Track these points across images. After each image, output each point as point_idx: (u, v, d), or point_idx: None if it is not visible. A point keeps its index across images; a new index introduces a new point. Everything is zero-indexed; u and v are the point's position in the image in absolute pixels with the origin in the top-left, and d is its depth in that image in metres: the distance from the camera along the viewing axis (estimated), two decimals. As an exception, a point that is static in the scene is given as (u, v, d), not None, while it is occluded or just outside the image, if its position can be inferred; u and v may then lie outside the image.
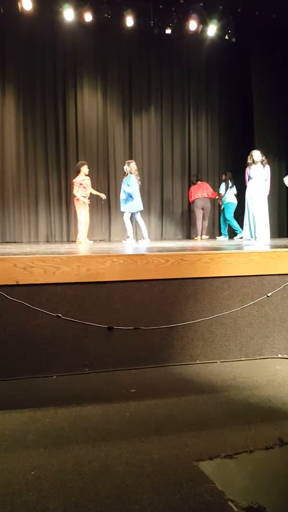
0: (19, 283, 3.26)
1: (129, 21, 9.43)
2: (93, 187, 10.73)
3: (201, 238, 9.72)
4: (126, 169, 8.23)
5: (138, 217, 8.29)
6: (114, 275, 3.44)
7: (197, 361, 3.51)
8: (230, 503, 1.77)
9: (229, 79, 11.10)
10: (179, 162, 11.29)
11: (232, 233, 9.79)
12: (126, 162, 8.54)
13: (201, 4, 9.33)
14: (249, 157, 7.60)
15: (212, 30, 9.82)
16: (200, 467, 2.04)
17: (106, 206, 10.81)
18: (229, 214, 9.50)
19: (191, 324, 3.51)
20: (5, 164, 9.90)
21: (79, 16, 9.28)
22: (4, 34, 9.74)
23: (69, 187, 10.51)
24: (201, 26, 9.71)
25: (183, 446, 2.23)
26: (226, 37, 10.13)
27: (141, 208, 8.32)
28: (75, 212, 8.70)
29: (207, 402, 2.78)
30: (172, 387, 3.03)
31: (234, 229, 9.43)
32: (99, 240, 10.38)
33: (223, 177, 9.96)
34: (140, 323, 3.43)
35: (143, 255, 3.56)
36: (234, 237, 9.43)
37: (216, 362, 3.54)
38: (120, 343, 3.40)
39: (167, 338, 3.47)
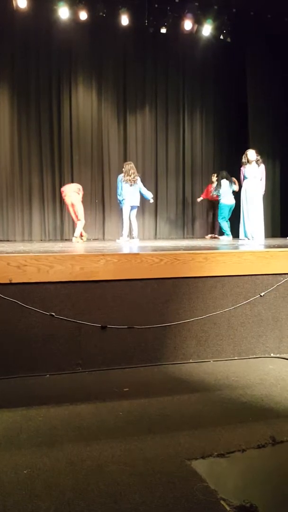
0: (12, 281, 3.25)
1: (124, 20, 9.42)
2: (88, 186, 10.75)
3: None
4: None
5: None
6: (108, 274, 3.44)
7: (190, 360, 3.52)
8: (222, 502, 1.78)
9: (224, 78, 11.11)
10: (173, 162, 11.30)
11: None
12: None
13: (196, 3, 9.33)
14: (243, 156, 7.61)
15: (207, 29, 9.83)
16: (193, 466, 2.04)
17: (100, 205, 10.81)
18: (220, 216, 9.39)
19: (185, 323, 3.52)
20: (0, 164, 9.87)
21: (74, 14, 9.25)
22: (-2, 31, 9.69)
23: (63, 185, 10.49)
24: (196, 26, 9.71)
25: (176, 445, 2.23)
26: (221, 37, 10.16)
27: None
28: (73, 211, 8.61)
29: (200, 401, 2.79)
30: (165, 386, 3.03)
31: (223, 231, 9.34)
32: (93, 239, 10.36)
33: (213, 177, 9.93)
34: (134, 322, 3.43)
35: (137, 254, 3.56)
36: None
37: (209, 361, 3.55)
38: (114, 342, 3.39)
39: (161, 337, 3.48)
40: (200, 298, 3.57)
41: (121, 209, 8.45)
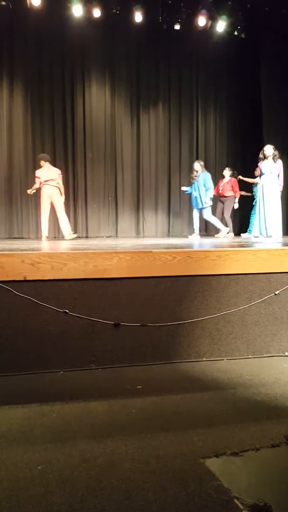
0: (27, 278, 3.27)
1: (138, 17, 9.39)
2: (101, 183, 10.76)
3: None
4: (197, 168, 8.37)
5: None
6: (121, 272, 3.44)
7: (204, 359, 3.51)
8: (236, 500, 1.77)
9: (238, 75, 11.03)
10: (186, 158, 11.26)
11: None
12: (197, 161, 8.77)
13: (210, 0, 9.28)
14: (261, 152, 7.55)
15: (221, 26, 9.76)
16: (206, 465, 2.04)
17: (113, 202, 10.82)
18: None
19: (198, 321, 3.50)
20: (13, 161, 9.93)
21: (88, 11, 9.26)
22: (13, 30, 9.74)
23: (76, 183, 10.53)
24: (210, 22, 9.65)
25: (189, 443, 2.23)
26: (235, 33, 10.07)
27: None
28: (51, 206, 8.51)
29: (213, 399, 2.77)
30: (178, 384, 3.03)
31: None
32: (105, 237, 10.38)
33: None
34: (147, 319, 3.43)
35: (150, 252, 3.56)
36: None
37: (223, 359, 3.54)
38: (127, 340, 3.40)
39: (174, 335, 3.47)
40: (213, 296, 3.56)
41: (199, 209, 8.39)
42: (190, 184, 9.01)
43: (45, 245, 6.12)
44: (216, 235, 9.45)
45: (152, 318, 3.44)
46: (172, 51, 10.68)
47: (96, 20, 9.49)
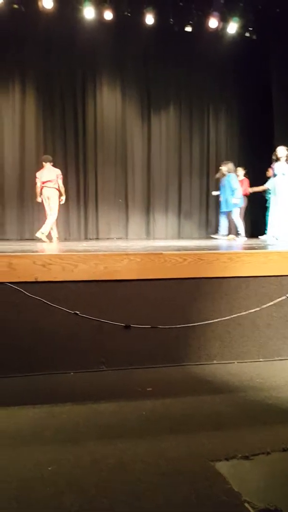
0: (38, 280, 3.29)
1: (149, 19, 9.40)
2: (111, 185, 10.78)
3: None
4: (224, 170, 8.38)
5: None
6: (131, 274, 3.45)
7: (214, 361, 3.50)
8: (246, 504, 1.76)
9: (249, 76, 10.98)
10: (197, 160, 11.24)
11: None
12: (223, 163, 8.67)
13: (222, 1, 9.25)
14: (273, 153, 7.51)
15: (232, 27, 9.73)
16: (216, 467, 2.03)
17: (123, 204, 10.83)
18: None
19: (209, 324, 3.49)
20: (25, 163, 9.99)
21: (99, 14, 9.29)
22: (24, 33, 9.79)
23: (87, 185, 10.56)
24: (221, 24, 9.62)
25: (199, 445, 2.22)
26: (247, 34, 10.03)
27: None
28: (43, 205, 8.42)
29: (224, 402, 2.76)
30: (188, 386, 3.02)
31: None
32: (116, 238, 10.40)
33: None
34: (157, 321, 3.43)
35: (160, 253, 3.56)
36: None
37: (234, 362, 3.52)
38: (137, 341, 3.40)
39: (184, 338, 3.46)
40: (224, 298, 3.54)
41: (226, 211, 8.37)
42: (217, 188, 9.05)
43: (55, 246, 6.15)
44: (212, 235, 9.30)
45: (162, 320, 3.43)
46: (183, 53, 10.67)
47: (108, 23, 9.52)
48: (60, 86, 10.29)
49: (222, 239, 8.26)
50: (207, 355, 3.50)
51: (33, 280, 3.28)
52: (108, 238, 10.33)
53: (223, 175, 8.46)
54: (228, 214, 8.38)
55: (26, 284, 3.27)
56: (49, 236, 8.12)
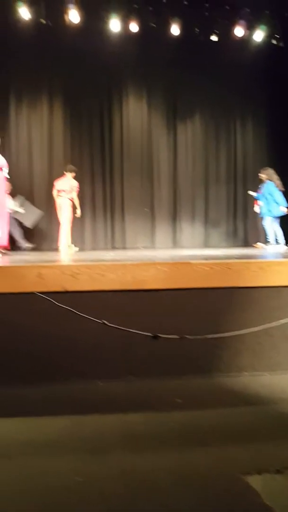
0: (66, 289, 3.31)
1: (175, 30, 9.46)
2: (137, 195, 10.83)
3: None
4: (263, 177, 8.37)
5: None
6: (159, 283, 3.43)
7: (245, 373, 3.43)
8: (279, 520, 1.71)
9: (276, 83, 10.89)
10: (224, 169, 11.18)
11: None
12: (262, 170, 8.68)
13: (248, 9, 9.23)
14: None
15: (259, 35, 9.69)
16: (248, 481, 1.98)
17: (150, 213, 10.86)
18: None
19: (239, 334, 3.43)
20: (53, 174, 10.13)
21: (125, 26, 9.41)
22: (52, 46, 10.00)
23: (114, 195, 10.65)
24: (247, 32, 9.60)
25: (229, 458, 2.18)
26: (273, 41, 9.97)
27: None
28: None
29: (255, 414, 2.71)
30: (218, 398, 2.97)
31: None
32: (142, 247, 10.41)
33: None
34: (185, 332, 3.39)
35: (188, 263, 3.54)
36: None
37: (265, 374, 3.44)
38: (165, 352, 3.37)
39: (213, 348, 3.42)
40: (254, 308, 3.48)
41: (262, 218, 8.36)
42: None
43: (79, 256, 6.19)
44: (254, 244, 9.32)
45: (191, 331, 3.40)
46: (208, 62, 10.66)
47: (133, 34, 9.63)
48: (87, 98, 10.44)
49: (273, 247, 8.16)
50: (237, 367, 3.44)
51: (62, 289, 3.31)
52: (134, 247, 10.36)
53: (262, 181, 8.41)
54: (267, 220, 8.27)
55: (55, 294, 3.30)
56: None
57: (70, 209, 7.98)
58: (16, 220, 8.65)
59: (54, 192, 8.08)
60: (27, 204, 9.04)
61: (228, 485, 1.96)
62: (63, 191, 7.94)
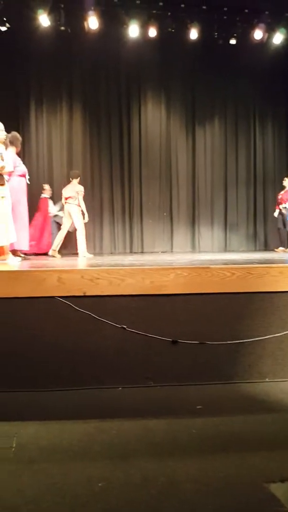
0: (86, 294, 3.32)
1: (193, 34, 9.46)
2: (156, 199, 10.84)
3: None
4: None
5: None
6: (178, 288, 3.42)
7: (266, 379, 3.39)
8: (303, 530, 1.68)
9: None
10: (244, 172, 11.11)
11: None
12: None
13: (267, 12, 9.19)
14: None
15: (278, 38, 9.63)
16: (270, 489, 1.96)
17: (168, 218, 10.84)
18: None
19: (260, 340, 3.40)
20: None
21: (143, 31, 9.45)
22: (71, 53, 10.12)
23: (132, 199, 10.67)
24: (266, 35, 9.54)
25: (252, 466, 2.15)
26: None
27: None
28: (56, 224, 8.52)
29: (277, 421, 2.67)
30: (239, 405, 2.94)
31: None
32: (161, 252, 10.40)
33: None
34: (205, 337, 3.37)
35: (208, 267, 3.51)
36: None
37: (286, 380, 3.39)
38: (185, 357, 3.35)
39: (234, 354, 3.39)
40: (276, 314, 3.44)
41: None
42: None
43: (98, 260, 6.20)
44: (276, 249, 9.24)
45: (211, 336, 3.38)
46: (227, 66, 10.64)
47: (152, 39, 9.66)
48: (106, 103, 10.52)
49: None
50: (258, 373, 3.40)
51: (82, 294, 3.32)
52: (153, 252, 10.35)
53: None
54: None
55: (75, 298, 3.32)
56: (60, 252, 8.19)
57: (80, 215, 8.02)
58: (57, 223, 8.81)
59: (63, 200, 8.15)
60: None
61: (251, 493, 1.93)
62: (71, 197, 7.99)
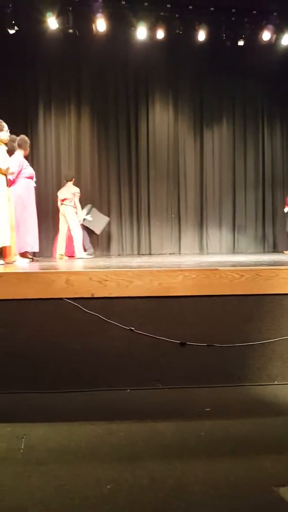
0: (94, 296, 3.33)
1: (201, 36, 9.47)
2: (163, 201, 10.84)
3: None
4: None
5: None
6: (186, 290, 3.41)
7: (275, 382, 3.37)
8: (314, 535, 1.66)
9: (304, 87, 10.78)
10: (252, 173, 11.08)
11: None
12: None
13: (275, 13, 9.17)
14: None
15: (286, 39, 9.60)
16: (280, 493, 1.94)
17: (176, 219, 10.84)
18: None
19: (269, 342, 3.38)
20: (80, 181, 10.25)
21: (151, 33, 9.46)
22: (79, 56, 10.15)
23: (140, 201, 10.68)
24: (274, 36, 9.52)
25: (260, 469, 2.14)
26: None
27: None
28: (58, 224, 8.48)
29: (286, 424, 2.65)
30: (248, 407, 2.93)
31: None
32: (169, 254, 10.39)
33: None
34: (214, 339, 3.36)
35: (216, 269, 3.50)
36: None
37: (296, 383, 3.38)
38: (193, 360, 3.35)
39: (243, 357, 3.37)
40: (285, 316, 3.42)
41: None
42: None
43: (106, 262, 6.21)
44: (285, 252, 9.22)
45: (219, 338, 3.36)
46: (235, 67, 10.63)
47: (160, 41, 9.68)
48: (114, 105, 10.55)
49: None
50: (267, 376, 3.38)
51: (90, 296, 3.33)
52: (160, 254, 10.35)
53: None
54: None
55: (83, 300, 3.32)
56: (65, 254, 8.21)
57: (75, 216, 8.06)
58: (85, 227, 8.88)
59: (59, 203, 8.18)
60: (94, 211, 9.28)
61: (260, 496, 1.92)
62: (67, 199, 8.03)
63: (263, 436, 2.51)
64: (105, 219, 9.57)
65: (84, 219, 8.93)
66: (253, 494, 1.94)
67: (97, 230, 9.31)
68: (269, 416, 2.78)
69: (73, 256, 8.03)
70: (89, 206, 9.22)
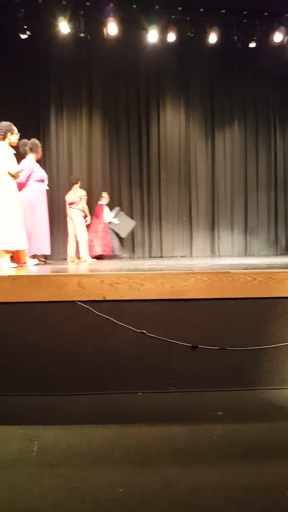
0: (106, 298, 3.33)
1: (212, 38, 9.47)
2: (175, 204, 10.83)
3: None
4: None
5: None
6: (198, 293, 3.40)
7: (288, 386, 3.35)
8: None
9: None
10: (264, 176, 11.04)
11: None
12: None
13: (287, 15, 9.13)
14: None
15: (298, 40, 9.57)
16: (294, 498, 1.92)
17: (187, 222, 10.83)
18: None
19: (282, 346, 3.35)
20: (92, 184, 10.31)
21: (162, 36, 9.49)
22: (91, 59, 10.23)
23: (151, 204, 10.68)
24: (286, 38, 9.49)
25: (274, 474, 2.12)
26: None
27: None
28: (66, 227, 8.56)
29: (300, 429, 2.63)
30: (261, 411, 2.90)
31: None
32: (180, 256, 10.38)
33: None
34: (226, 343, 3.34)
35: (228, 272, 3.48)
36: None
37: (310, 387, 3.35)
38: (205, 363, 3.33)
39: (255, 360, 3.35)
40: (298, 319, 3.39)
41: None
42: None
43: (118, 265, 6.22)
44: None
45: (232, 342, 3.34)
46: (246, 69, 10.62)
47: (171, 44, 9.70)
48: (125, 108, 10.59)
49: None
50: (280, 379, 3.35)
51: (101, 298, 3.33)
52: (172, 256, 10.34)
53: None
54: None
55: (94, 303, 3.33)
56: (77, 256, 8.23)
57: (82, 219, 8.09)
58: (113, 230, 8.95)
59: (67, 207, 8.22)
60: (121, 214, 9.35)
61: (274, 501, 1.90)
62: (74, 203, 8.07)
63: (276, 440, 2.48)
64: (132, 223, 9.62)
65: (110, 222, 8.99)
66: (267, 498, 1.92)
67: (123, 234, 9.35)
68: (282, 420, 2.75)
69: (102, 257, 8.11)
70: (117, 209, 9.28)
